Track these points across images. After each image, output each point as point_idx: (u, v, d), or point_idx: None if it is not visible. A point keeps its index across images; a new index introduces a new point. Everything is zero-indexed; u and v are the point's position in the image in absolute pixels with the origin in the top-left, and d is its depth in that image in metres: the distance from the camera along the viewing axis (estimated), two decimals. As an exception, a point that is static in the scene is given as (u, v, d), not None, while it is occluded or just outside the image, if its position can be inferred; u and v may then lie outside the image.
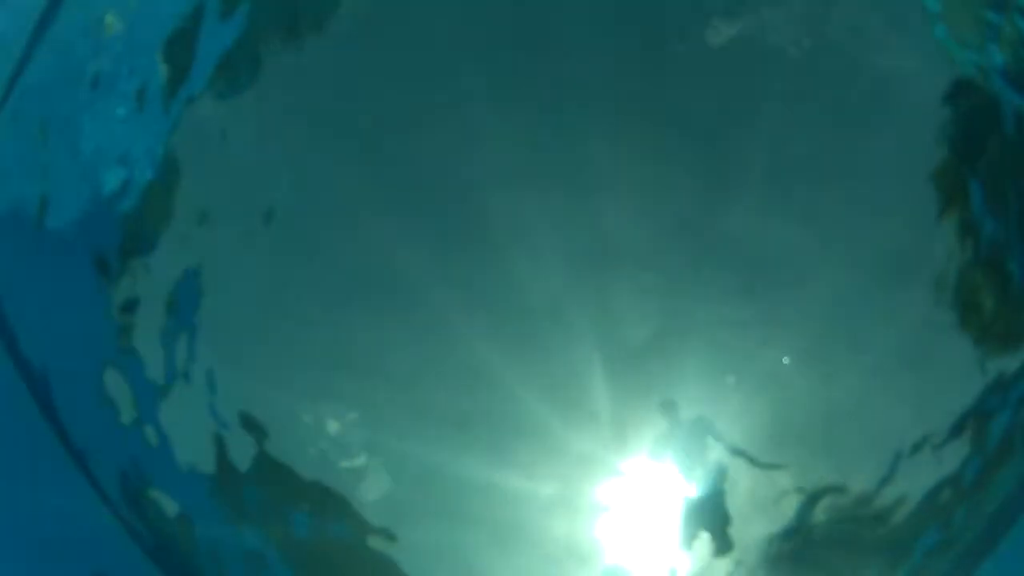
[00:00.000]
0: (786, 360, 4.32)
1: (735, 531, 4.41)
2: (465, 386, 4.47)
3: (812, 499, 4.46)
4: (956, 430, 4.46)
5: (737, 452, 4.38)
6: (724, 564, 4.49)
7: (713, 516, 4.43)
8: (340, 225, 4.54)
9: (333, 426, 4.69)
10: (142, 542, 4.48)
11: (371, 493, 4.64)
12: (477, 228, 4.42)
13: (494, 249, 4.38)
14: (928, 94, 4.49)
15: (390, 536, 4.61)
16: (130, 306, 4.73)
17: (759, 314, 4.33)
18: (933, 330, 4.49)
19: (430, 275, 4.41)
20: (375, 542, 4.65)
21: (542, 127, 4.36)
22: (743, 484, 4.39)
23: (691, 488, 4.46)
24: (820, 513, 4.48)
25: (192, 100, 4.73)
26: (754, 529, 4.43)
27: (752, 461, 4.37)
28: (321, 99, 4.61)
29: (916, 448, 4.46)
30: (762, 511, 4.42)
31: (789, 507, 4.44)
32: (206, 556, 4.65)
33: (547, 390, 4.43)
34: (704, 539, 4.47)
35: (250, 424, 4.67)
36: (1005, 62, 4.48)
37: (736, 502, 4.40)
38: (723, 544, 4.40)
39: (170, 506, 4.63)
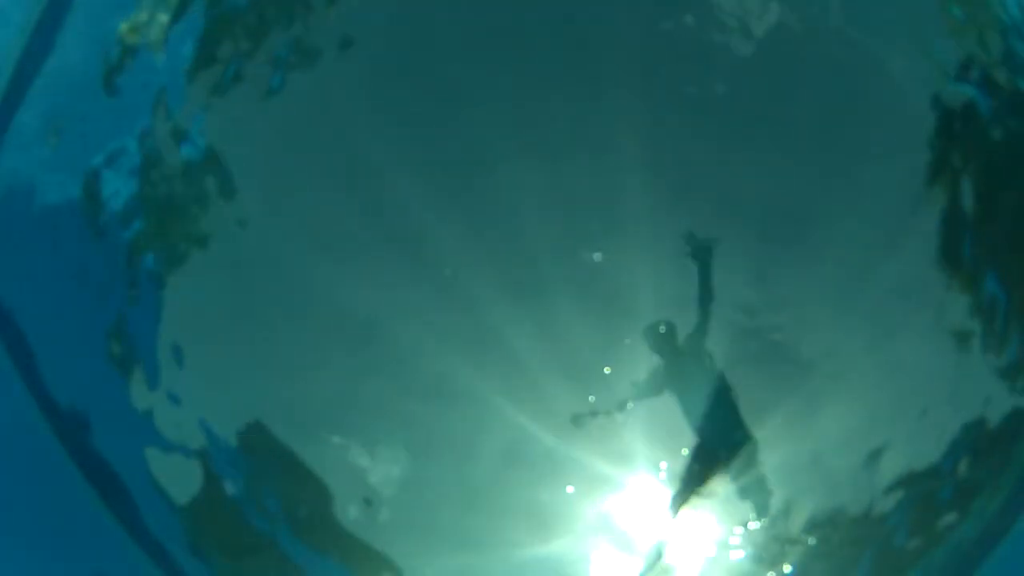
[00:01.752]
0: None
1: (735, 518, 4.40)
2: (467, 340, 4.57)
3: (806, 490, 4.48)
4: (956, 430, 4.49)
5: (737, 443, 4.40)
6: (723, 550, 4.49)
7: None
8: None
9: (337, 423, 4.71)
10: (142, 542, 4.47)
11: (378, 482, 4.67)
12: (491, 197, 4.53)
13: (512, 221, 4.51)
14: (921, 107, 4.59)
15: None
16: (133, 309, 4.75)
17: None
18: (932, 332, 4.53)
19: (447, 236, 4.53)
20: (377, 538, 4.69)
21: (560, 117, 4.45)
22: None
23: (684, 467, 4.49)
24: (816, 505, 4.48)
25: (208, 108, 4.79)
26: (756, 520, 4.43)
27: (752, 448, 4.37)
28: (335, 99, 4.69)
29: (914, 444, 4.49)
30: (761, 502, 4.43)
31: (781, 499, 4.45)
32: (207, 556, 4.65)
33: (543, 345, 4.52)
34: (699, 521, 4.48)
35: (248, 425, 4.69)
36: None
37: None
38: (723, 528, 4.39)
39: (170, 505, 4.64)
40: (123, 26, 4.65)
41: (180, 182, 4.81)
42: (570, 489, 4.65)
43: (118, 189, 4.77)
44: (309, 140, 4.71)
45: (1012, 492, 4.42)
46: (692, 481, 4.43)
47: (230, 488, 4.70)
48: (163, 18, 4.66)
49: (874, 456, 4.48)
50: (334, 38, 4.66)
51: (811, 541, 4.53)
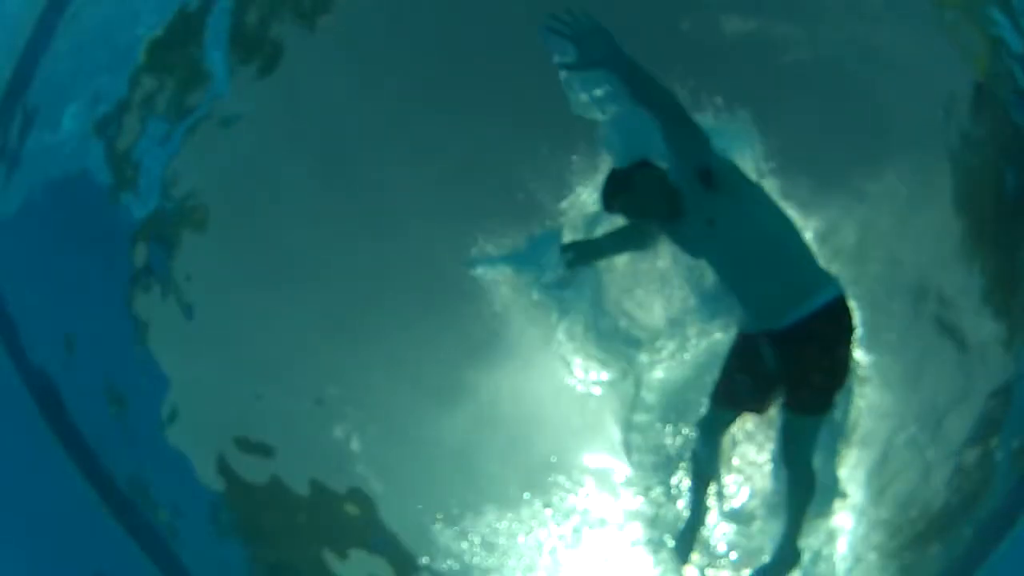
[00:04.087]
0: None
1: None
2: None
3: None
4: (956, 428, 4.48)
5: None
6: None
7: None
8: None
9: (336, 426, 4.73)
10: (142, 542, 4.48)
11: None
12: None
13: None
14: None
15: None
16: (136, 308, 4.77)
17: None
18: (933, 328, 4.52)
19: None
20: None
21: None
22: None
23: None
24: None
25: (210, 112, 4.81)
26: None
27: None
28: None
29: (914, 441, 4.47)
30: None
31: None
32: (204, 555, 4.66)
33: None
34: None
35: (247, 429, 4.72)
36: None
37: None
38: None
39: (169, 506, 4.65)
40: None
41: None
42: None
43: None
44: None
45: (1011, 492, 4.40)
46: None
47: (234, 482, 4.73)
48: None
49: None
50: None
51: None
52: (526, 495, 4.81)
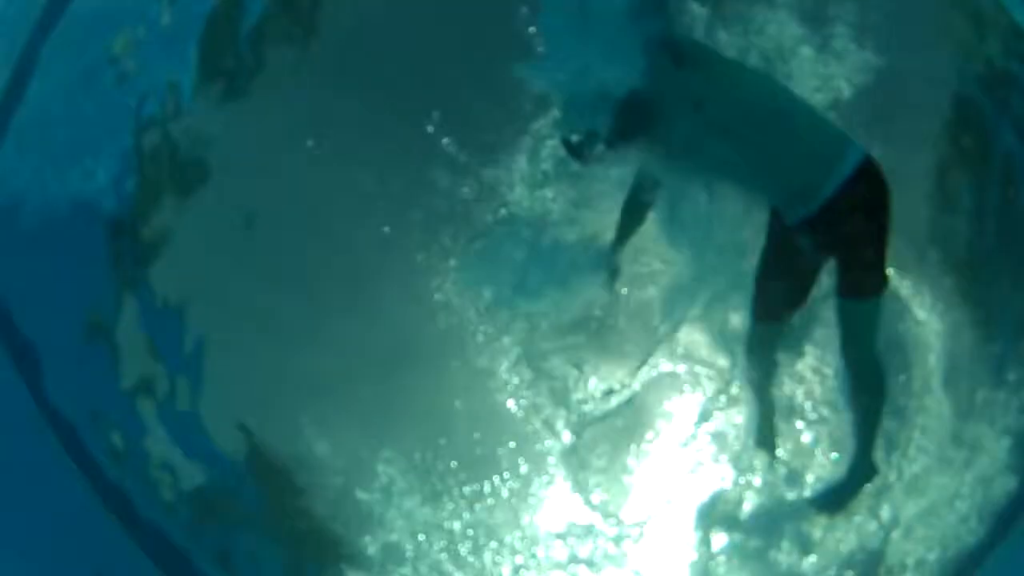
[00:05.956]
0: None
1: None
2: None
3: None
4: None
5: None
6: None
7: None
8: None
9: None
10: (142, 542, 4.48)
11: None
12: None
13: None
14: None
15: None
16: (135, 310, 4.77)
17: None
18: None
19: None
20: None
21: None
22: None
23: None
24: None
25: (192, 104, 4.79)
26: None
27: None
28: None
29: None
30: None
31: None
32: (204, 555, 4.66)
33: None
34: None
35: (245, 428, 4.72)
36: None
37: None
38: None
39: (169, 506, 4.65)
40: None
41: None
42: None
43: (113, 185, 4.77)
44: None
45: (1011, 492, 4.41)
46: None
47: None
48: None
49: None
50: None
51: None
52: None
